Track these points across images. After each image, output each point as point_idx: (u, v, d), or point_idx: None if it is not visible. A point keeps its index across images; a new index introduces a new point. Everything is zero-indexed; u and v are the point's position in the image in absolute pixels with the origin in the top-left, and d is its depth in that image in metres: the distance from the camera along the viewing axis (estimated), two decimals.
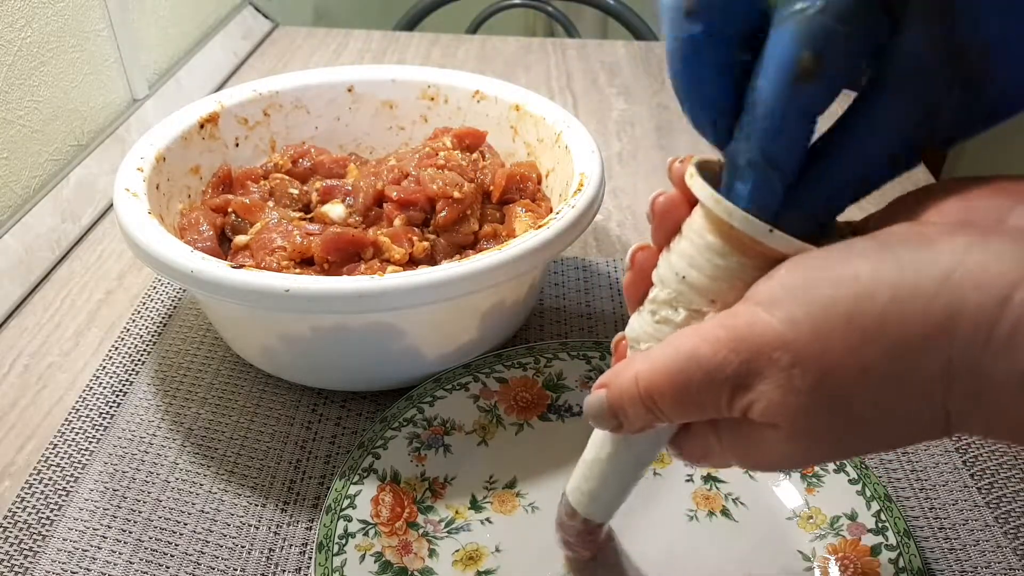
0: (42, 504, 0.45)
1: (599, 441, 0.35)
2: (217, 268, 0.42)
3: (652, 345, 0.29)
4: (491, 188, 0.55)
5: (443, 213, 0.52)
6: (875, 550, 0.41)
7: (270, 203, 0.55)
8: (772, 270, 0.26)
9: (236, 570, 0.42)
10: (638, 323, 0.30)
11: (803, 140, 0.26)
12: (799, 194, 0.27)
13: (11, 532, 0.43)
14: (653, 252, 0.30)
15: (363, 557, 0.40)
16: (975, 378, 0.22)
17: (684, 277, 0.28)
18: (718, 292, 0.28)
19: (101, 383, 0.53)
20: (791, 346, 0.24)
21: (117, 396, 0.52)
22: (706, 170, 0.28)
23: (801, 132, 0.25)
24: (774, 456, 0.26)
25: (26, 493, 0.45)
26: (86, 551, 0.43)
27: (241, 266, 0.43)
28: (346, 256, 0.49)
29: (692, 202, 0.29)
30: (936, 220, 0.24)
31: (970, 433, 0.24)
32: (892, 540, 0.41)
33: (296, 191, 0.56)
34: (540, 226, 0.46)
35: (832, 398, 0.24)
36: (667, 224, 0.29)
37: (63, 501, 0.45)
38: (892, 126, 0.26)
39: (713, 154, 0.29)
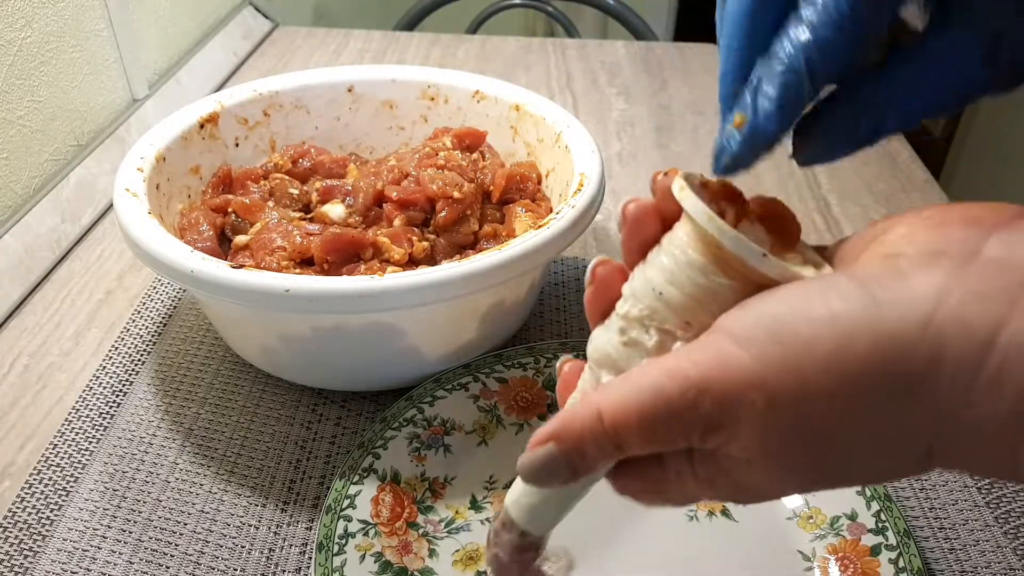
0: (42, 504, 0.45)
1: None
2: (217, 268, 0.42)
3: (611, 377, 0.28)
4: (491, 188, 0.55)
5: (443, 213, 0.52)
6: (875, 550, 0.41)
7: (270, 203, 0.55)
8: (746, 300, 0.25)
9: (236, 570, 0.42)
10: (604, 341, 0.28)
11: (851, 51, 0.24)
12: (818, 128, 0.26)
13: (11, 532, 0.43)
14: (616, 268, 0.29)
15: (363, 557, 0.40)
16: (957, 419, 0.22)
17: (661, 293, 0.27)
18: (694, 314, 0.26)
19: (101, 383, 0.53)
20: (766, 387, 0.23)
21: (117, 396, 0.52)
22: (691, 185, 0.27)
23: (852, 40, 0.24)
24: (753, 489, 0.26)
25: (26, 493, 0.45)
26: (86, 551, 0.43)
27: (241, 266, 0.43)
28: (346, 257, 0.49)
29: (668, 215, 0.27)
30: (909, 251, 0.23)
31: (951, 468, 0.24)
32: (892, 540, 0.41)
33: (296, 191, 0.56)
34: (540, 226, 0.46)
35: (810, 439, 0.23)
36: (638, 233, 0.28)
37: (63, 501, 0.45)
38: (957, 57, 0.25)
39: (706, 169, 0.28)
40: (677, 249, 0.27)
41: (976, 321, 0.21)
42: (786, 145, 0.28)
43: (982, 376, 0.21)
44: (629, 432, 0.25)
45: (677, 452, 0.27)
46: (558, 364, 0.31)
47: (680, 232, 0.27)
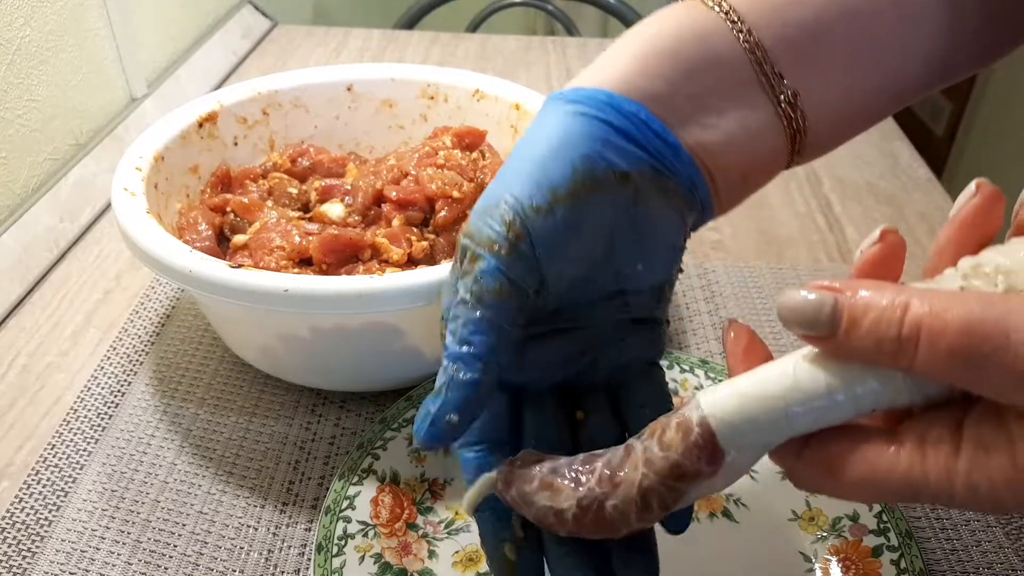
0: (40, 505, 0.45)
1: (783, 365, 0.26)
2: (216, 268, 0.42)
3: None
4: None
5: (442, 213, 0.51)
6: (877, 551, 0.41)
7: (269, 202, 0.54)
8: None
9: (234, 571, 0.42)
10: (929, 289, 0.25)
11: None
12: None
13: (9, 533, 0.43)
14: (900, 241, 0.28)
15: (362, 558, 0.40)
16: None
17: None
18: None
19: (99, 383, 0.52)
20: None
21: (115, 396, 0.52)
22: None
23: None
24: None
25: (24, 494, 0.45)
26: (84, 552, 0.42)
27: (240, 266, 0.43)
28: (344, 258, 0.49)
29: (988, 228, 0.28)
30: None
31: None
32: (894, 541, 0.41)
33: (295, 190, 0.55)
34: None
35: None
36: (977, 234, 0.28)
37: (61, 502, 0.45)
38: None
39: None
40: None
41: None
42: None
43: None
44: (935, 342, 0.22)
45: (937, 422, 0.24)
46: (725, 328, 0.29)
47: None
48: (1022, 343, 0.21)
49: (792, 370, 0.25)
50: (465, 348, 0.30)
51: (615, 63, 0.32)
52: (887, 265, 0.27)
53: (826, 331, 0.23)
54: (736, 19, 0.32)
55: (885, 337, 0.22)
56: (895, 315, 0.22)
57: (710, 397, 0.27)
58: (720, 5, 0.33)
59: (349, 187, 0.54)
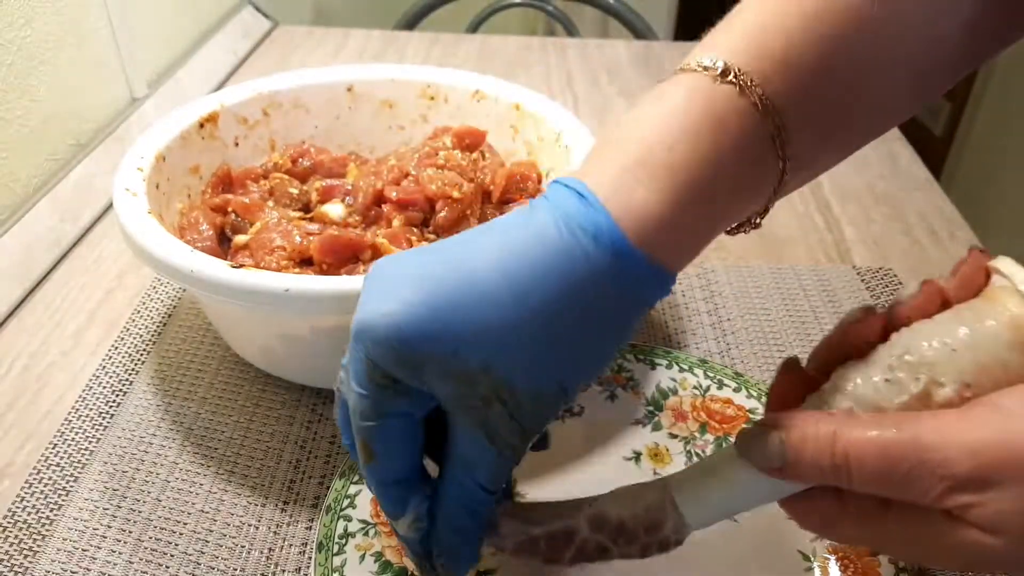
0: (42, 504, 0.45)
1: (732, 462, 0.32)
2: (217, 268, 0.42)
3: (857, 406, 0.29)
4: (491, 188, 0.55)
5: (443, 213, 0.52)
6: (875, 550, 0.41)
7: (270, 203, 0.55)
8: None
9: (236, 570, 0.42)
10: (861, 372, 0.30)
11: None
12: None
13: (11, 532, 0.43)
14: (881, 318, 0.30)
15: (363, 557, 0.40)
16: None
17: (955, 351, 0.28)
18: (978, 380, 0.27)
19: (101, 383, 0.53)
20: None
21: (117, 396, 0.52)
22: None
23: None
24: (970, 556, 0.26)
25: (26, 493, 0.45)
26: (86, 551, 0.43)
27: (241, 266, 0.43)
28: (344, 258, 0.49)
29: (948, 296, 0.29)
30: None
31: None
32: None
33: (296, 191, 0.55)
34: None
35: None
36: (929, 305, 0.29)
37: (63, 501, 0.45)
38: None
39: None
40: (985, 319, 0.28)
41: None
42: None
43: None
44: (862, 467, 0.26)
45: (871, 498, 0.27)
46: (781, 364, 0.32)
47: (993, 306, 0.28)
48: (934, 462, 0.25)
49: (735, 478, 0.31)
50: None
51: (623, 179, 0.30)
52: (926, 311, 0.30)
53: (777, 463, 0.28)
54: (750, 86, 0.30)
55: (822, 467, 0.27)
56: (827, 447, 0.26)
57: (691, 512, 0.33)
58: (736, 76, 0.29)
59: (350, 187, 0.54)
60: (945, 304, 0.30)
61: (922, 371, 0.28)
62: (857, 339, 0.30)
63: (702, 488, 0.33)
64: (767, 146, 0.30)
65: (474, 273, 0.29)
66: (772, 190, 0.32)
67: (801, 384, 0.31)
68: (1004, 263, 0.29)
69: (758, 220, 0.34)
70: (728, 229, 0.34)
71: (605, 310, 0.30)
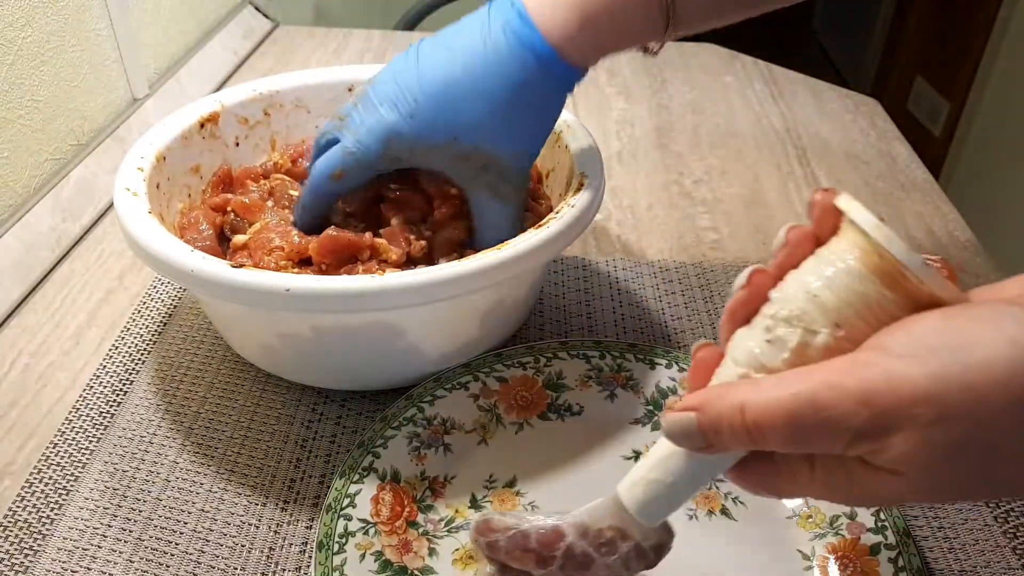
0: (42, 503, 0.45)
1: (666, 452, 0.33)
2: (217, 267, 0.42)
3: (751, 371, 0.30)
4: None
5: (442, 209, 0.52)
6: (874, 549, 0.41)
7: (270, 203, 0.55)
8: (910, 321, 0.26)
9: (236, 569, 0.42)
10: (746, 338, 0.30)
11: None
12: None
13: (11, 531, 0.43)
14: (771, 275, 0.31)
15: (363, 556, 0.41)
16: None
17: (816, 296, 0.28)
18: (846, 319, 0.28)
19: (101, 382, 0.53)
20: (938, 401, 0.25)
21: (117, 395, 0.52)
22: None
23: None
24: (883, 496, 0.28)
25: (26, 492, 0.45)
26: (86, 550, 0.43)
27: (241, 265, 0.43)
28: (342, 259, 0.49)
29: (821, 235, 0.30)
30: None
31: None
32: (891, 539, 0.41)
33: (296, 191, 0.55)
34: (540, 226, 0.46)
35: (977, 453, 0.25)
36: (799, 253, 0.30)
37: (63, 500, 0.45)
38: None
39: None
40: (837, 258, 0.28)
41: None
42: None
43: None
44: (773, 431, 0.27)
45: (798, 455, 0.29)
46: (693, 348, 0.33)
47: (843, 243, 0.29)
48: (833, 418, 0.26)
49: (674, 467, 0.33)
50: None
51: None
52: (755, 302, 0.31)
53: (702, 444, 0.29)
54: None
55: (740, 438, 0.28)
56: (739, 421, 0.28)
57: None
58: None
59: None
60: (818, 246, 0.30)
61: (794, 323, 0.29)
62: (751, 303, 0.31)
63: (646, 484, 0.34)
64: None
65: (456, 84, 0.45)
66: (661, 33, 0.45)
67: (715, 360, 0.32)
68: (842, 200, 0.29)
69: (656, 49, 0.47)
70: (631, 49, 0.47)
71: (545, 96, 0.47)
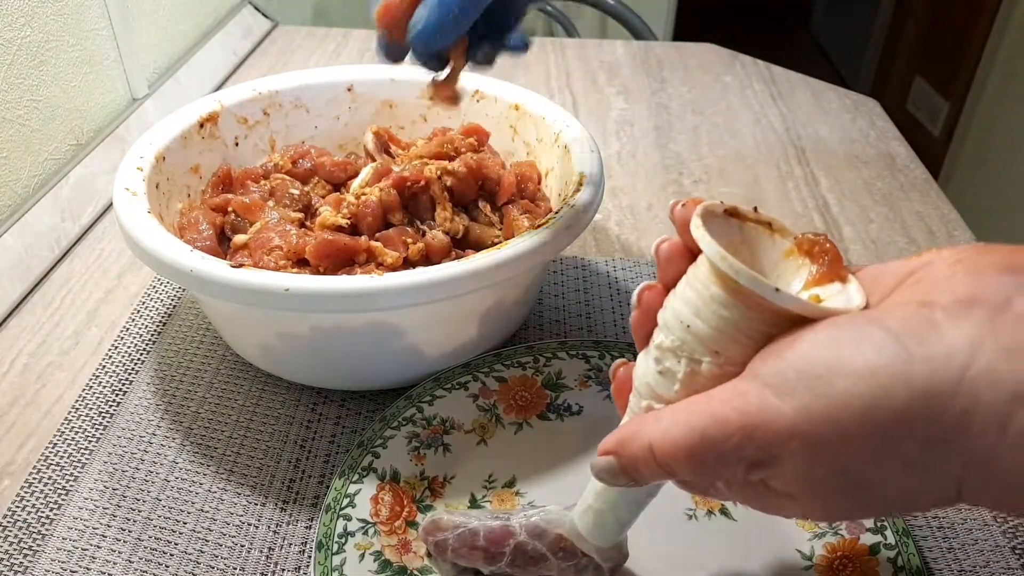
0: (42, 503, 0.45)
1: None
2: (217, 267, 0.42)
3: (653, 402, 0.30)
4: (497, 189, 0.55)
5: (448, 182, 0.52)
6: (874, 549, 0.41)
7: (270, 203, 0.55)
8: (782, 344, 0.27)
9: (235, 569, 0.42)
10: (643, 369, 0.31)
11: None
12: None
13: (11, 531, 0.43)
14: (660, 291, 0.31)
15: (362, 556, 0.41)
16: (987, 466, 0.24)
17: (689, 326, 0.29)
18: (723, 345, 0.28)
19: (101, 382, 0.53)
20: (807, 438, 0.25)
21: (117, 395, 0.52)
22: (710, 217, 0.29)
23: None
24: (792, 513, 0.29)
25: (26, 492, 0.45)
26: (86, 550, 0.43)
27: (241, 265, 0.43)
28: (339, 262, 0.49)
29: (695, 249, 0.29)
30: (943, 300, 0.25)
31: (980, 505, 0.27)
32: (891, 539, 0.41)
33: (296, 191, 0.55)
34: (539, 226, 0.46)
35: (847, 482, 0.26)
36: (671, 269, 0.31)
37: (63, 500, 0.45)
38: None
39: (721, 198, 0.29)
40: (700, 284, 0.29)
41: (1006, 376, 0.23)
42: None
43: (1012, 429, 0.23)
44: (679, 465, 0.28)
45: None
46: (612, 368, 0.34)
47: (702, 267, 0.29)
48: (726, 451, 0.26)
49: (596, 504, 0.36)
50: None
51: None
52: (652, 321, 0.31)
53: (628, 482, 0.30)
54: None
55: (657, 473, 0.29)
56: (650, 460, 0.29)
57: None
58: None
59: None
60: (691, 258, 0.30)
61: (678, 353, 0.29)
62: (647, 323, 0.32)
63: (594, 513, 0.36)
64: None
65: None
66: None
67: (631, 381, 0.33)
68: (693, 225, 0.28)
69: None
70: None
71: None
